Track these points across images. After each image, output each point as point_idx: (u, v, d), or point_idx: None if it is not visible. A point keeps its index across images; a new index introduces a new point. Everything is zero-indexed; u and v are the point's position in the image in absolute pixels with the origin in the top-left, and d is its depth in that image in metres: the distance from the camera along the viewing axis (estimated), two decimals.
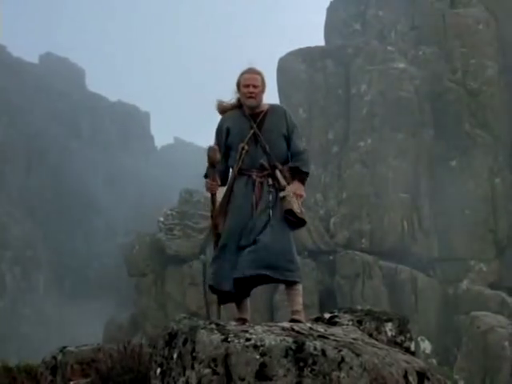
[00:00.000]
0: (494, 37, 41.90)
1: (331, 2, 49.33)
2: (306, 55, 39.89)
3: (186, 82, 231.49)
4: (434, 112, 38.53)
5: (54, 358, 6.71)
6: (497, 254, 38.16)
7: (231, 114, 6.30)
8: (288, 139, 6.24)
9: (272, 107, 6.35)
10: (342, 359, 5.08)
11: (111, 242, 64.86)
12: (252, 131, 6.15)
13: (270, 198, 6.08)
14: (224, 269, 6.01)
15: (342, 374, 5.03)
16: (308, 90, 37.43)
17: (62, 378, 6.59)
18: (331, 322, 6.36)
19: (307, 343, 5.10)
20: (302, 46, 43.08)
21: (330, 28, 47.93)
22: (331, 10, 48.66)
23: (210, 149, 6.08)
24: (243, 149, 6.10)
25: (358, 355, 5.15)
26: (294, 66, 39.49)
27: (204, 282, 32.32)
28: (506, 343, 31.97)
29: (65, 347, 6.72)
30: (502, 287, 36.83)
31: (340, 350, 5.13)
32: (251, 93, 6.18)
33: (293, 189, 6.13)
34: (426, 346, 33.41)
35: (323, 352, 5.08)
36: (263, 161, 6.12)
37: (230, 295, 6.16)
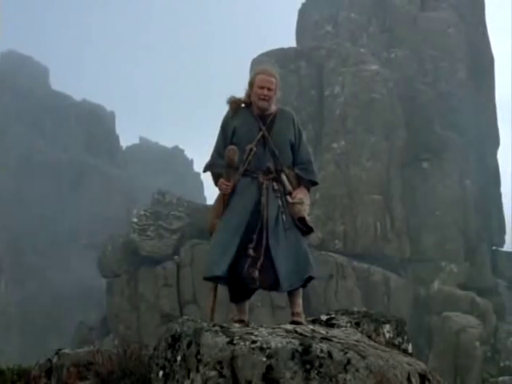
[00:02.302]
0: (463, 40, 42.38)
1: (303, 4, 49.44)
2: (279, 56, 39.91)
3: (152, 81, 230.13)
4: (406, 114, 38.86)
5: (49, 360, 6.61)
6: (467, 255, 38.55)
7: (239, 113, 6.23)
8: (294, 146, 6.23)
9: (281, 111, 6.32)
10: (348, 361, 5.09)
11: (75, 243, 64.29)
12: (261, 133, 6.12)
13: (280, 202, 6.07)
14: (226, 258, 5.93)
15: (349, 377, 5.04)
16: (281, 91, 37.51)
17: (58, 381, 6.51)
18: (329, 324, 6.37)
19: (314, 345, 5.11)
20: (274, 48, 43.18)
21: (301, 29, 48.04)
22: (303, 12, 48.77)
23: (229, 149, 5.98)
24: (251, 150, 6.05)
25: (363, 357, 5.16)
26: (260, 67, 39.43)
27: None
28: (477, 343, 32.43)
29: (60, 349, 6.63)
30: (472, 288, 37.23)
31: (346, 353, 5.14)
32: (265, 95, 6.15)
33: (302, 196, 6.13)
34: None
35: (329, 354, 5.08)
36: (270, 164, 6.08)
37: (242, 290, 6.10)
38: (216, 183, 6.21)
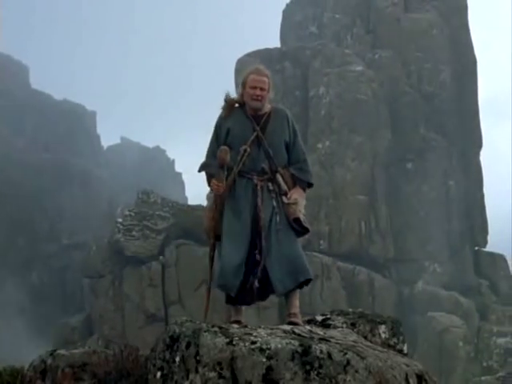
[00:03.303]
0: (447, 42, 42.56)
1: (287, 4, 49.52)
2: (263, 57, 39.85)
3: (133, 81, 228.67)
4: (390, 115, 38.99)
5: (44, 361, 6.56)
6: (450, 255, 38.77)
7: (232, 113, 6.19)
8: (289, 145, 6.21)
9: (275, 110, 6.27)
10: (348, 362, 5.09)
11: (56, 243, 63.91)
12: (255, 133, 6.09)
13: (274, 203, 6.04)
14: (240, 270, 5.93)
15: (348, 378, 5.05)
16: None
17: (52, 382, 6.47)
18: (325, 325, 6.37)
19: (313, 346, 5.11)
20: (258, 48, 43.17)
21: (286, 30, 48.12)
22: (287, 12, 48.85)
23: (221, 149, 5.95)
24: (245, 151, 6.01)
25: (362, 358, 5.17)
26: (251, 67, 39.50)
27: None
28: (461, 343, 32.67)
29: (54, 350, 6.58)
30: (455, 288, 37.45)
31: (345, 353, 5.15)
32: (258, 95, 6.11)
33: (297, 196, 6.11)
34: None
35: (329, 355, 5.09)
36: (264, 165, 6.05)
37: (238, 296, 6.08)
38: (209, 184, 6.18)
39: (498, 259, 41.44)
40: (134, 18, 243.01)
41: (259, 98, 6.13)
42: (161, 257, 33.52)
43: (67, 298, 57.85)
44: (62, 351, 6.56)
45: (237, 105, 6.26)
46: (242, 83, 6.24)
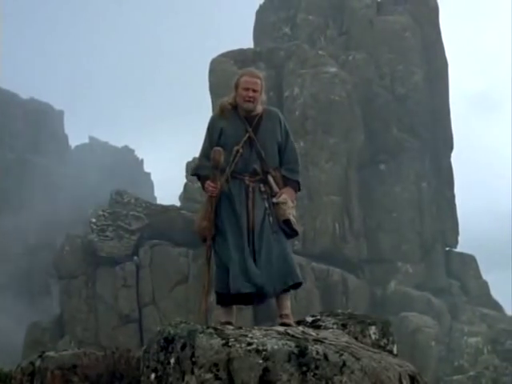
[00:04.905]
0: (419, 44, 42.92)
1: (261, 5, 49.55)
2: (237, 57, 39.94)
3: (101, 80, 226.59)
4: (364, 116, 39.20)
5: (32, 363, 6.50)
6: (423, 255, 39.07)
7: (225, 114, 6.23)
8: (281, 146, 6.25)
9: (267, 111, 6.32)
10: (344, 363, 5.12)
11: (22, 244, 63.36)
12: (247, 135, 6.12)
13: (266, 204, 6.06)
14: (241, 271, 5.93)
15: (344, 379, 5.08)
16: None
17: None
18: (315, 326, 6.39)
19: (309, 348, 5.13)
20: (232, 48, 43.15)
21: (259, 31, 48.15)
22: (260, 13, 48.90)
23: (215, 150, 5.97)
24: (238, 152, 6.05)
25: (358, 359, 5.21)
26: (225, 67, 39.49)
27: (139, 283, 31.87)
28: (433, 343, 32.97)
29: (43, 352, 6.53)
30: (427, 288, 37.77)
31: (341, 354, 5.18)
32: (250, 97, 6.14)
33: (286, 196, 6.14)
34: None
35: (325, 356, 5.11)
36: (256, 166, 6.09)
37: (238, 297, 6.08)
38: (203, 185, 6.18)
39: (468, 260, 41.87)
40: (103, 16, 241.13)
41: (251, 99, 6.17)
42: (135, 257, 33.39)
43: (35, 300, 57.41)
44: (51, 353, 6.51)
45: (229, 106, 6.29)
46: (234, 85, 6.28)
